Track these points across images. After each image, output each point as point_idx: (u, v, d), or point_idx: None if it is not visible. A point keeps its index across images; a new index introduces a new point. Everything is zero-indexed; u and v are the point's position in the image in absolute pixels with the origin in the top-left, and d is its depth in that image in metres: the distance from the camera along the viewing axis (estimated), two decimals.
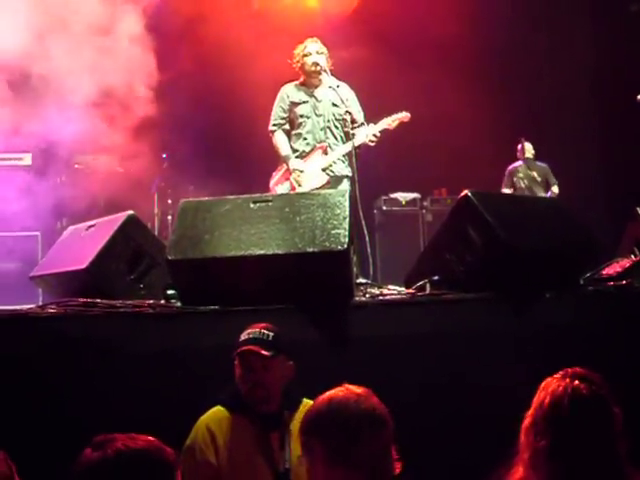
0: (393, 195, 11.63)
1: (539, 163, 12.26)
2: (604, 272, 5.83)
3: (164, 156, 10.48)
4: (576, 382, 2.90)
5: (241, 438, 4.07)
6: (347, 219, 5.02)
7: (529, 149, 12.29)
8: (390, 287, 5.81)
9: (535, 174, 12.17)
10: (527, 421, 2.89)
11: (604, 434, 2.78)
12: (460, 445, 4.70)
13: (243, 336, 4.16)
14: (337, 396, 2.81)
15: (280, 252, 4.95)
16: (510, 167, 12.33)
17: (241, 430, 4.09)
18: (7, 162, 10.36)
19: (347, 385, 2.86)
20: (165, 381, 4.70)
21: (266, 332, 4.12)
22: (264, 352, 4.06)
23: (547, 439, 2.78)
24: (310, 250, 4.92)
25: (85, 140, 10.22)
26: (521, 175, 12.18)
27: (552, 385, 2.91)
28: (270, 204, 5.21)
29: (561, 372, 2.98)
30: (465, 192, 5.35)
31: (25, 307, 5.53)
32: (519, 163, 12.31)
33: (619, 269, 5.80)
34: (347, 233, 4.95)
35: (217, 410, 4.20)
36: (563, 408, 2.82)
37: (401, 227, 11.26)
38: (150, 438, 2.67)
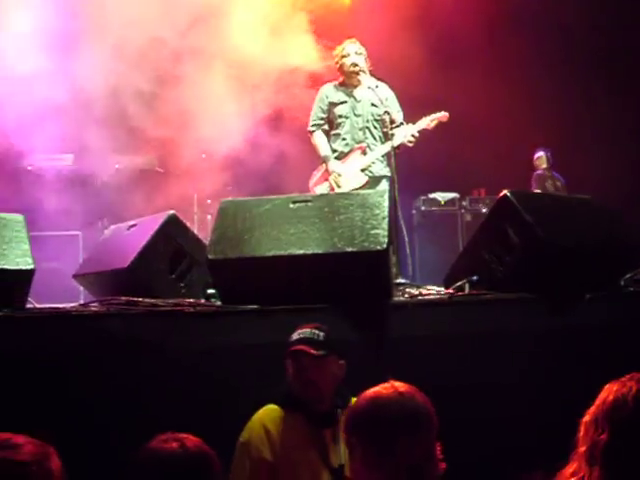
0: (432, 195, 11.61)
1: (556, 174, 12.28)
2: None
3: (203, 156, 10.52)
4: None
5: (295, 435, 4.13)
6: (386, 219, 5.04)
7: (548, 159, 12.30)
8: (429, 287, 5.80)
9: (559, 184, 12.16)
10: (587, 417, 2.90)
11: None
12: (504, 445, 4.69)
13: (294, 336, 4.20)
14: (380, 395, 2.80)
15: (319, 252, 4.98)
16: (538, 172, 12.31)
17: (295, 428, 4.14)
18: (49, 162, 10.48)
19: (393, 382, 2.85)
20: (205, 380, 4.74)
21: (317, 332, 4.16)
22: (315, 352, 4.10)
23: (606, 434, 2.79)
24: (349, 250, 4.94)
25: (123, 141, 10.32)
26: (550, 182, 12.16)
27: (617, 385, 2.93)
28: (309, 204, 5.24)
29: (628, 375, 2.99)
30: (504, 192, 5.35)
31: (68, 305, 5.61)
32: (541, 171, 12.31)
33: None
34: (386, 233, 4.97)
35: (271, 408, 4.26)
36: (627, 406, 2.83)
37: (440, 227, 11.24)
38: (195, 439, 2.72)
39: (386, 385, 2.85)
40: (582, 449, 2.85)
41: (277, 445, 4.12)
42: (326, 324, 4.32)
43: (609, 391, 2.90)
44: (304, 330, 4.20)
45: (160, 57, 9.35)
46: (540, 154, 12.39)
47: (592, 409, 2.90)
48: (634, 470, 2.74)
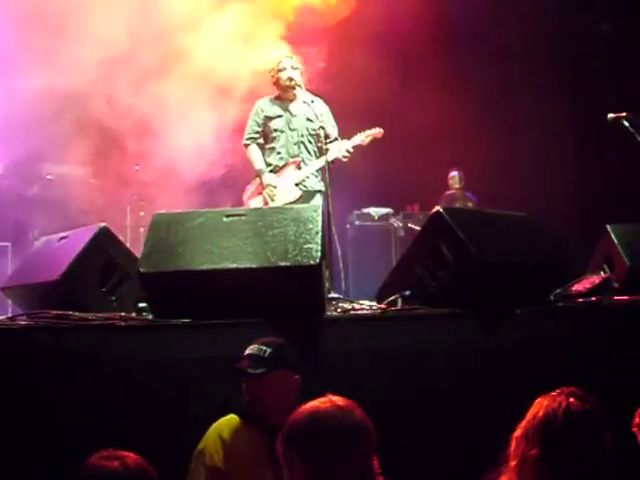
0: (366, 210, 11.66)
1: (469, 194, 12.49)
2: (574, 288, 5.88)
3: (136, 168, 10.44)
4: (571, 399, 2.96)
5: (250, 447, 4.12)
6: (319, 234, 5.05)
7: (460, 179, 12.52)
8: (361, 302, 5.82)
9: (470, 205, 12.37)
10: (519, 431, 2.93)
11: (592, 453, 2.83)
12: (434, 462, 4.72)
13: (246, 351, 4.20)
14: (318, 409, 2.79)
15: (253, 266, 4.98)
16: (448, 192, 12.50)
17: (251, 439, 4.14)
18: None
19: (330, 396, 2.84)
20: (136, 393, 4.70)
21: (264, 348, 4.15)
22: (253, 370, 4.10)
23: (537, 449, 2.82)
24: (282, 264, 4.95)
25: (57, 150, 10.21)
26: (460, 203, 12.36)
27: (547, 400, 2.97)
28: (243, 218, 5.23)
29: (558, 390, 3.03)
30: (437, 208, 5.39)
31: None
32: (453, 191, 12.52)
33: (588, 285, 5.86)
34: (319, 248, 4.98)
35: (230, 418, 4.25)
36: (556, 421, 2.87)
37: (373, 242, 11.29)
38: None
39: (324, 399, 2.84)
40: (513, 463, 2.88)
41: (231, 454, 4.12)
42: (257, 339, 4.30)
43: (539, 406, 2.94)
44: (253, 346, 4.19)
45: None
46: (453, 174, 12.66)
47: (523, 424, 2.94)
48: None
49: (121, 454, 2.68)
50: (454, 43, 12.08)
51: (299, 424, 2.81)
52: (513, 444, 2.95)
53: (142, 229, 10.17)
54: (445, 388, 4.92)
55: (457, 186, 12.61)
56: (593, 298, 5.59)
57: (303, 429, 2.78)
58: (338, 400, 2.82)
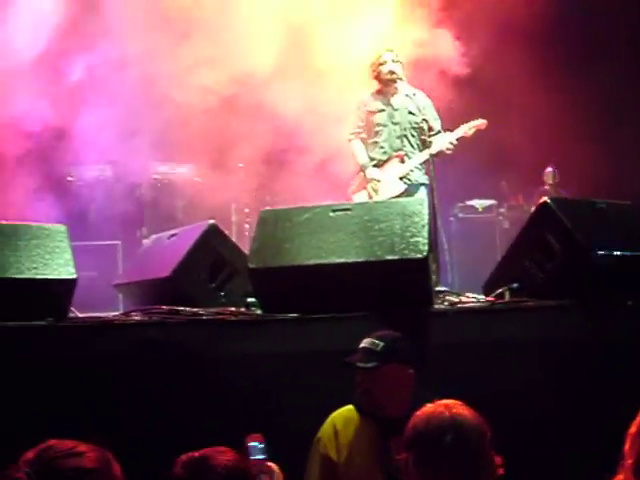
0: (469, 202, 11.56)
1: (563, 192, 12.19)
2: None
3: (240, 165, 10.58)
4: None
5: (362, 439, 4.16)
6: (426, 227, 5.04)
7: (554, 176, 12.28)
8: (469, 295, 5.78)
9: None
10: (634, 429, 2.85)
11: None
12: (543, 454, 4.67)
13: (360, 344, 4.20)
14: (435, 416, 2.78)
15: (359, 260, 5.00)
16: (542, 188, 12.25)
17: (363, 431, 4.17)
18: (90, 173, 10.59)
19: (447, 402, 2.84)
20: (246, 387, 4.78)
21: (377, 341, 4.14)
22: (363, 364, 4.11)
23: None
24: (389, 258, 4.96)
25: (164, 150, 10.42)
26: None
27: None
28: (349, 213, 5.25)
29: None
30: (544, 199, 5.33)
31: (110, 315, 5.66)
32: (547, 187, 12.26)
33: None
34: (426, 241, 4.97)
35: (348, 409, 4.29)
36: None
37: (478, 234, 11.19)
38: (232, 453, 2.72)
39: (441, 405, 2.83)
40: (629, 462, 2.81)
41: (343, 446, 4.17)
42: (365, 332, 4.31)
43: None
44: (367, 339, 4.19)
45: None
46: (548, 170, 12.41)
47: (638, 420, 2.86)
48: None
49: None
50: (556, 40, 11.82)
51: (414, 428, 2.82)
52: (628, 442, 2.88)
53: (247, 225, 10.32)
54: (554, 381, 4.85)
55: (551, 182, 12.39)
56: None
57: (416, 433, 2.80)
58: (454, 406, 2.80)
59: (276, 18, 9.46)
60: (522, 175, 12.11)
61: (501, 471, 2.76)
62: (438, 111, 8.37)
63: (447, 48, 8.97)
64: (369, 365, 4.10)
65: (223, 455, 2.64)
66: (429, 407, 2.84)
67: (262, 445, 3.18)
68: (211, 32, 9.44)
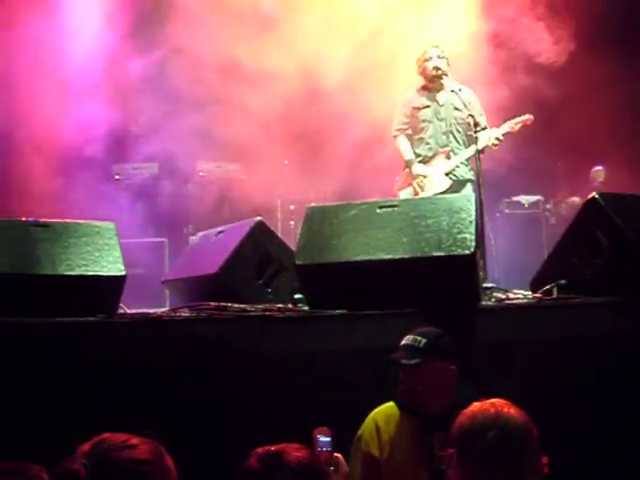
0: (515, 198, 11.49)
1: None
2: None
3: (285, 162, 10.62)
4: None
5: (404, 436, 4.16)
6: (473, 223, 5.03)
7: (604, 174, 12.16)
8: (516, 291, 5.75)
9: None
10: None
11: None
12: (587, 453, 4.64)
13: (402, 341, 4.20)
14: (480, 413, 2.78)
15: (407, 256, 5.00)
16: (593, 185, 12.10)
17: (405, 428, 4.18)
18: (136, 171, 10.70)
19: (495, 401, 2.83)
20: (294, 383, 4.80)
21: (419, 338, 4.14)
22: (407, 361, 4.10)
23: None
24: (437, 254, 4.95)
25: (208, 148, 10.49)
26: None
27: None
28: (396, 209, 5.25)
29: None
30: (592, 194, 5.28)
31: (159, 311, 5.72)
32: (597, 184, 12.12)
33: None
34: (473, 237, 4.96)
35: (389, 406, 4.30)
36: None
37: (524, 230, 11.11)
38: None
39: (488, 404, 2.83)
40: None
41: (384, 443, 4.17)
42: (414, 329, 4.31)
43: None
44: (409, 336, 4.19)
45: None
46: (598, 168, 12.32)
47: None
48: None
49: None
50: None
51: (460, 427, 2.83)
52: None
53: (292, 223, 10.36)
54: (604, 378, 4.81)
55: (600, 180, 12.28)
56: None
57: (462, 431, 2.80)
58: (501, 406, 2.79)
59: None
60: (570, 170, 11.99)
61: (546, 470, 2.74)
62: (484, 107, 8.34)
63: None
64: (412, 362, 4.09)
65: (298, 452, 2.67)
66: (477, 405, 2.84)
67: (329, 438, 3.24)
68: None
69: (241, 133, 10.15)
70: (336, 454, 3.28)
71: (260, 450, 2.70)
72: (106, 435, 2.46)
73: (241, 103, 9.88)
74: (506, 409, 2.78)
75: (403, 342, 4.19)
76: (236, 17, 9.84)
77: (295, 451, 2.67)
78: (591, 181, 12.36)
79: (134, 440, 2.46)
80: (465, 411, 2.83)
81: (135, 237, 9.71)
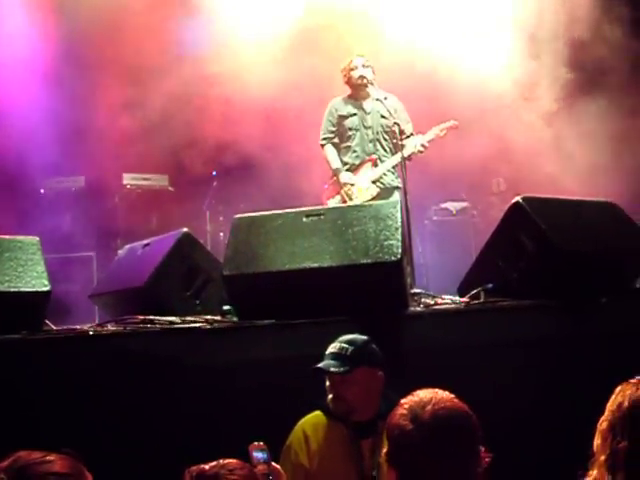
0: (444, 205, 11.56)
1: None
2: None
3: (214, 173, 10.57)
4: None
5: (333, 443, 4.15)
6: (399, 230, 5.04)
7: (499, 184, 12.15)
8: (444, 297, 5.79)
9: None
10: (604, 424, 2.84)
11: None
12: (519, 459, 4.67)
13: (328, 350, 4.20)
14: (415, 404, 2.70)
15: (334, 264, 5.00)
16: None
17: (334, 436, 4.17)
18: (62, 185, 10.54)
19: (426, 391, 2.74)
20: (224, 394, 4.76)
21: (346, 346, 4.15)
22: (335, 369, 4.10)
23: (627, 441, 2.75)
24: (364, 262, 4.96)
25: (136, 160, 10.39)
26: None
27: (630, 388, 2.88)
28: (322, 217, 5.25)
29: (638, 377, 2.95)
30: (516, 198, 5.34)
31: (85, 326, 5.63)
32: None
33: None
34: (400, 244, 4.98)
35: (316, 415, 4.29)
36: None
37: (452, 236, 11.19)
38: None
39: (424, 393, 2.72)
40: (602, 458, 2.81)
41: (314, 451, 4.16)
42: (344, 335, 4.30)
43: (623, 395, 2.85)
44: (335, 344, 4.20)
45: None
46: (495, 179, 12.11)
47: (607, 415, 2.86)
48: None
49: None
50: None
51: (389, 426, 2.75)
52: (599, 438, 2.88)
53: (222, 234, 10.29)
54: (531, 381, 4.85)
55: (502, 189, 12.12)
56: None
57: (391, 431, 2.72)
58: (433, 394, 2.70)
59: None
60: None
61: (486, 462, 2.71)
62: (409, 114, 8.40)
63: None
64: (340, 370, 4.09)
65: (233, 474, 2.65)
66: (410, 398, 2.78)
67: (265, 453, 3.21)
68: None
69: (168, 144, 10.08)
70: (274, 465, 3.25)
71: (194, 470, 2.65)
72: (21, 453, 2.41)
73: (168, 112, 9.82)
74: (441, 396, 2.73)
75: (330, 350, 4.19)
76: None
77: (230, 474, 2.63)
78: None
79: (51, 456, 2.41)
80: (397, 407, 2.77)
81: (62, 252, 9.56)
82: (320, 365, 4.15)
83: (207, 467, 2.68)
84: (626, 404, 2.80)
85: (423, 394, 2.72)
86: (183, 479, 2.65)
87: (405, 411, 2.67)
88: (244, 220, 5.44)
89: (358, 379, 4.11)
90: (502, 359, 4.90)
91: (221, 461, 2.73)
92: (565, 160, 9.61)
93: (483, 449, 2.69)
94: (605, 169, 9.39)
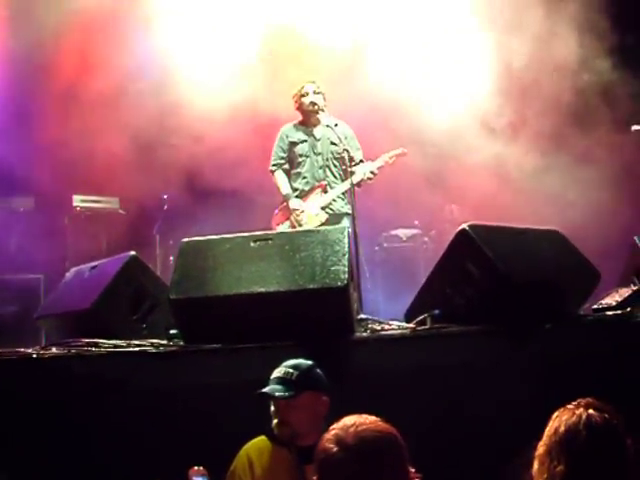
0: (394, 232, 11.60)
1: None
2: (604, 301, 5.84)
3: (164, 197, 10.52)
4: (590, 411, 2.92)
5: (277, 468, 4.15)
6: (346, 256, 5.07)
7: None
8: (391, 322, 5.81)
9: None
10: (541, 449, 2.89)
11: (618, 463, 2.80)
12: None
13: (273, 374, 4.20)
14: (337, 431, 2.76)
15: (281, 289, 5.01)
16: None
17: (279, 460, 4.16)
18: (10, 205, 10.41)
19: (352, 416, 2.81)
20: (168, 419, 4.73)
21: (291, 370, 4.17)
22: (280, 394, 4.11)
23: (563, 465, 2.79)
24: (310, 287, 4.97)
25: (86, 182, 10.32)
26: None
27: (566, 414, 2.93)
28: (270, 242, 5.26)
29: (574, 402, 3.00)
30: (463, 225, 5.39)
31: (29, 349, 5.56)
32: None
33: (619, 298, 5.81)
34: (347, 269, 5.00)
35: (260, 440, 4.28)
36: (579, 436, 2.84)
37: (403, 263, 11.23)
38: None
39: (339, 427, 2.79)
40: None
41: (258, 476, 4.15)
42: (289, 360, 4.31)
43: (559, 420, 2.90)
44: (280, 368, 4.21)
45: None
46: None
47: (545, 440, 2.90)
48: None
49: None
50: None
51: (316, 452, 2.79)
52: (537, 463, 2.92)
53: (172, 258, 10.22)
54: (476, 405, 4.89)
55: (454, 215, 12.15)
56: (623, 311, 5.52)
57: (317, 457, 2.76)
58: (361, 420, 2.78)
59: None
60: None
61: None
62: (359, 141, 8.46)
63: None
64: (286, 394, 4.10)
65: None
66: (334, 426, 2.81)
67: (206, 479, 3.19)
68: None
69: (118, 166, 10.04)
70: None
71: None
72: None
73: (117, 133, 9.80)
74: (365, 419, 2.77)
75: (274, 375, 4.19)
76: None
77: None
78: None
79: None
80: (325, 433, 2.80)
81: (9, 273, 9.45)
82: (265, 390, 4.15)
83: None
84: (562, 429, 2.85)
85: (348, 419, 2.79)
86: None
87: (330, 436, 2.71)
88: (191, 244, 5.42)
89: (303, 404, 4.12)
90: (447, 384, 4.93)
91: None
92: (520, 190, 9.74)
93: (413, 470, 2.72)
94: (558, 199, 9.55)
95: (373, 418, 2.77)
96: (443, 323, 5.34)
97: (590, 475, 2.77)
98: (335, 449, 2.67)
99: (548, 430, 2.91)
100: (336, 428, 2.75)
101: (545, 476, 2.83)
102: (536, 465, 2.89)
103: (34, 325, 7.32)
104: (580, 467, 2.78)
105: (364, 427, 2.72)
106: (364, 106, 9.44)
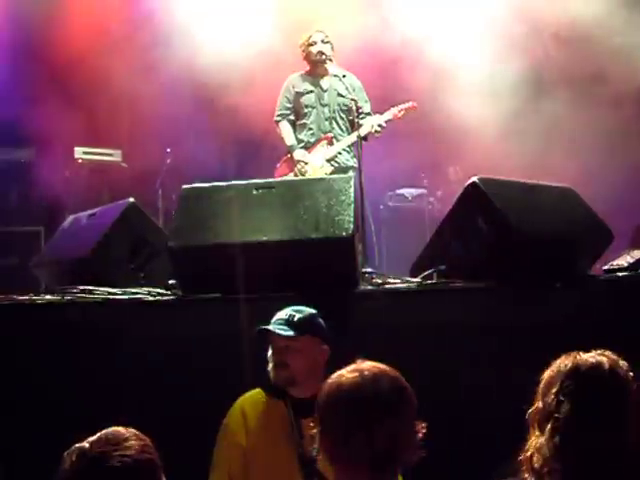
0: (399, 191, 11.48)
1: None
2: (615, 262, 5.72)
3: (168, 150, 10.38)
4: (596, 355, 2.83)
5: (272, 422, 4.02)
6: (352, 206, 4.93)
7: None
8: (396, 277, 5.69)
9: None
10: (543, 383, 2.80)
11: (620, 404, 2.69)
12: (467, 437, 4.62)
13: (275, 316, 4.10)
14: (339, 382, 2.68)
15: (283, 239, 4.88)
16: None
17: (274, 414, 4.04)
18: (9, 156, 10.30)
19: (360, 364, 2.72)
20: (164, 369, 4.65)
21: (294, 313, 4.05)
22: (280, 332, 3.98)
23: (566, 402, 2.68)
24: (313, 237, 4.85)
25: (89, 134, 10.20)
26: None
27: (574, 355, 2.83)
28: (273, 190, 5.15)
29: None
30: (473, 178, 5.24)
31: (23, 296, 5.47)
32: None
33: (630, 259, 5.70)
34: (352, 220, 4.87)
35: (256, 392, 4.16)
36: (584, 371, 2.75)
37: (407, 223, 11.12)
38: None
39: (351, 368, 2.71)
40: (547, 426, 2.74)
41: (252, 430, 4.03)
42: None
43: (561, 362, 2.81)
44: (282, 312, 4.09)
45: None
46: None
47: (548, 372, 2.82)
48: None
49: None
50: None
51: (320, 397, 2.74)
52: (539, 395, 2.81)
53: (174, 212, 10.10)
54: (479, 362, 4.79)
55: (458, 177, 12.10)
56: (634, 272, 5.41)
57: (321, 402, 2.73)
58: (365, 369, 2.68)
59: None
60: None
61: (421, 435, 2.67)
62: (368, 94, 8.28)
63: None
64: (286, 333, 3.98)
65: (124, 449, 2.36)
66: (339, 373, 2.73)
67: None
68: None
69: (122, 119, 9.92)
70: None
71: (73, 450, 2.38)
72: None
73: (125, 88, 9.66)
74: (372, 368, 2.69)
75: (276, 317, 4.07)
76: None
77: (117, 450, 2.36)
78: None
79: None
80: (332, 383, 2.70)
81: (9, 225, 9.37)
82: (265, 326, 4.03)
83: (87, 445, 2.38)
84: (568, 364, 2.76)
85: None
86: (62, 464, 2.36)
87: (335, 375, 2.69)
88: (192, 191, 5.29)
89: (303, 347, 4.01)
90: (452, 340, 4.83)
91: (105, 432, 2.43)
92: (526, 152, 9.58)
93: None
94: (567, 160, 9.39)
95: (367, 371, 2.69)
96: (450, 278, 5.22)
97: (591, 410, 2.65)
98: (349, 375, 2.63)
99: (553, 365, 2.82)
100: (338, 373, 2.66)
101: (541, 406, 2.73)
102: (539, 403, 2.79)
103: (35, 278, 7.23)
104: (581, 404, 2.67)
105: (374, 366, 2.68)
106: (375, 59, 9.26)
